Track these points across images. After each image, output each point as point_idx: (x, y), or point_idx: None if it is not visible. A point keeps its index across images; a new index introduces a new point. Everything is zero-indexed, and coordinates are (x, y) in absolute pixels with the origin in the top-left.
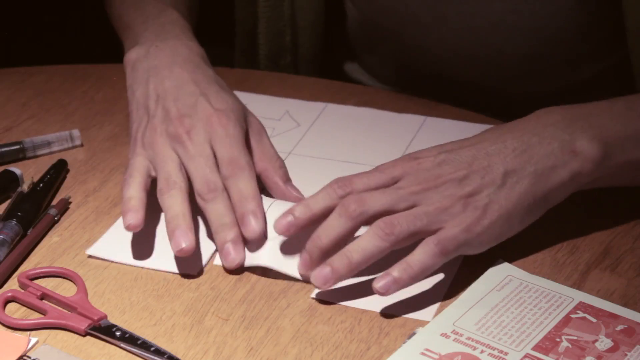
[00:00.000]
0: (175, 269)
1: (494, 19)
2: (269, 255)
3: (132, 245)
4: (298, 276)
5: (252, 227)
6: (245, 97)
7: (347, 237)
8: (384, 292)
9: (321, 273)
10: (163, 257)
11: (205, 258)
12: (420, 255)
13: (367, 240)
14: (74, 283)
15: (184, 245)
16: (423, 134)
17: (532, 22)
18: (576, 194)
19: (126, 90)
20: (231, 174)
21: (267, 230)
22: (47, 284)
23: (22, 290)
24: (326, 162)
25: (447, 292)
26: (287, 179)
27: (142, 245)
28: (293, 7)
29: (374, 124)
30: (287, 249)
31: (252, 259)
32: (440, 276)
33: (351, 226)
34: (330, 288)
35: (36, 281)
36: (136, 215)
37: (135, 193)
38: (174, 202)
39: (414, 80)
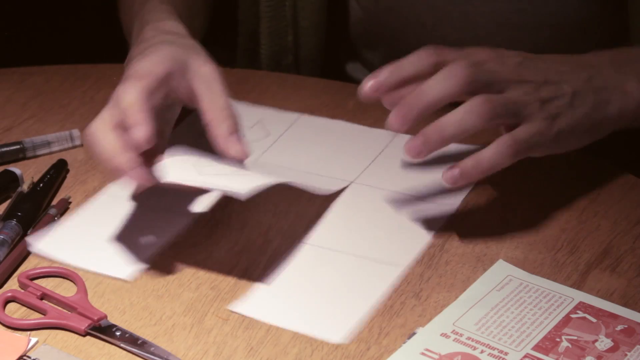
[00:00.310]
0: (108, 272)
1: (498, 18)
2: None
3: (72, 246)
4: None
5: (241, 148)
6: None
7: (452, 100)
8: (451, 184)
9: (413, 144)
10: (99, 260)
11: (139, 262)
12: (492, 152)
13: (465, 116)
14: (74, 283)
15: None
16: (391, 150)
17: (536, 21)
18: (576, 193)
19: None
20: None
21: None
22: (47, 284)
23: (22, 290)
24: (288, 171)
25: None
26: (233, 131)
27: (81, 245)
28: (295, 7)
29: (344, 136)
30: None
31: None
32: (361, 301)
33: (460, 89)
34: (421, 158)
35: (36, 281)
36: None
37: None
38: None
39: None
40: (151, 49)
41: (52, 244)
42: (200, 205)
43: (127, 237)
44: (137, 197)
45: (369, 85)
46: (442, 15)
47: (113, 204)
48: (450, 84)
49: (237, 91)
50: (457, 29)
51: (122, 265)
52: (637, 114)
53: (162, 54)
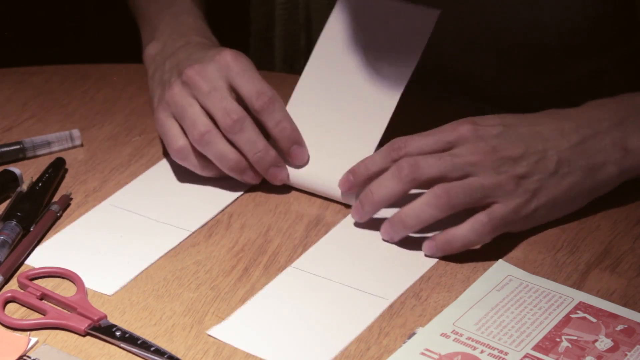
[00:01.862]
0: (92, 287)
1: (511, 13)
2: (311, 177)
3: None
4: (338, 196)
5: (301, 157)
6: None
7: (399, 198)
8: (431, 254)
9: (383, 231)
10: (88, 273)
11: (123, 280)
12: (466, 230)
13: (423, 208)
14: (74, 283)
15: (279, 176)
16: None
17: (548, 15)
18: None
19: (127, 89)
20: (263, 106)
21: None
22: (47, 284)
23: (22, 291)
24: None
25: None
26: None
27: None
28: (308, 10)
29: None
30: (327, 172)
31: (296, 178)
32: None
33: (402, 188)
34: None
35: (36, 281)
36: (253, 174)
37: (184, 140)
38: (216, 149)
39: (425, 73)
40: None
41: (45, 253)
42: (198, 218)
43: (119, 251)
44: (138, 207)
45: (343, 183)
46: (453, 10)
47: (109, 215)
48: (392, 184)
49: None
50: (469, 25)
51: (107, 280)
52: None
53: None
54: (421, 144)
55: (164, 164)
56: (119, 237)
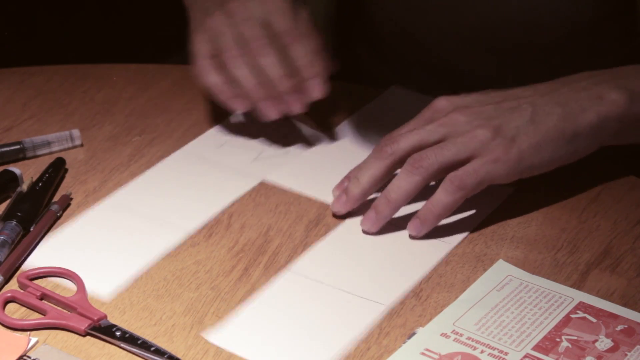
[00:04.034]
0: (93, 287)
1: (511, 14)
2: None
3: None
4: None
5: (319, 89)
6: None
7: (383, 178)
8: (415, 234)
9: (368, 217)
10: (89, 273)
11: (117, 282)
12: (439, 194)
13: (401, 178)
14: (74, 283)
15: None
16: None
17: (548, 16)
18: (576, 193)
19: (127, 89)
20: (291, 41)
21: None
22: (47, 284)
23: (22, 291)
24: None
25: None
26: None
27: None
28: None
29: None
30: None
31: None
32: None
33: (385, 166)
34: (377, 230)
35: (36, 281)
36: (242, 102)
37: (217, 77)
38: (241, 71)
39: (425, 73)
40: None
41: (46, 252)
42: (198, 216)
43: (119, 251)
44: (136, 206)
45: (337, 207)
46: (455, 11)
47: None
48: (375, 164)
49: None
50: (470, 26)
51: (108, 280)
52: (620, 119)
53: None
54: (403, 128)
55: (164, 165)
56: (119, 237)
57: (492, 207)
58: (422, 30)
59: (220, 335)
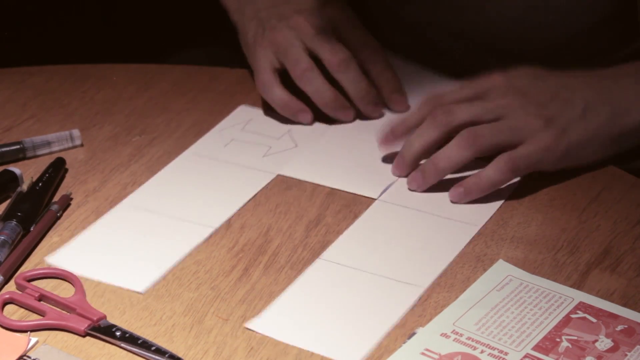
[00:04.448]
0: (124, 285)
1: (514, 14)
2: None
3: (91, 259)
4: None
5: (401, 104)
6: (252, 112)
7: (436, 144)
8: (456, 201)
9: (414, 178)
10: (116, 272)
11: (154, 275)
12: (490, 170)
13: (452, 149)
14: (72, 284)
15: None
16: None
17: (551, 17)
18: (576, 193)
19: (127, 89)
20: (367, 56)
21: None
22: (45, 285)
23: (20, 292)
24: (307, 185)
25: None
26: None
27: (100, 258)
28: None
29: (370, 152)
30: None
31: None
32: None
33: (439, 134)
34: (422, 190)
35: (33, 283)
36: (307, 115)
37: (283, 92)
38: (315, 84)
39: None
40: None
41: (68, 256)
42: (219, 214)
43: (146, 248)
44: (156, 207)
45: (383, 137)
46: (457, 9)
47: (130, 215)
48: (429, 132)
49: (237, 91)
50: (472, 23)
51: (138, 277)
52: None
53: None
54: (455, 95)
55: (173, 166)
56: (143, 237)
57: (514, 185)
58: (419, 25)
59: (260, 324)
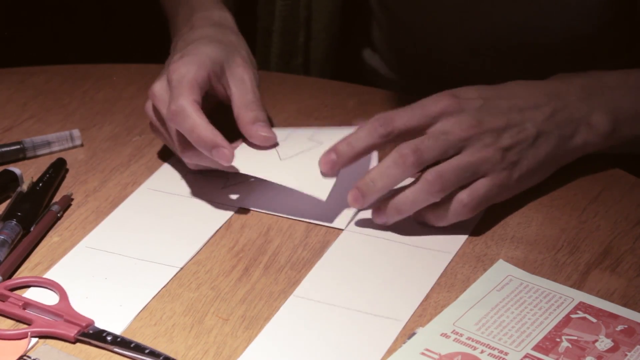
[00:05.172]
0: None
1: (516, 18)
2: (284, 175)
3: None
4: (319, 194)
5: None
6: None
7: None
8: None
9: (377, 216)
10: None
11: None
12: (452, 214)
13: (418, 194)
14: (55, 292)
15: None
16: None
17: (553, 21)
18: (576, 193)
19: (127, 89)
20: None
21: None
22: (28, 294)
23: (3, 302)
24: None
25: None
26: (256, 120)
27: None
28: (309, 9)
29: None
30: (306, 171)
31: (264, 173)
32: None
33: (406, 176)
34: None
35: (16, 292)
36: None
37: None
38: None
39: (428, 76)
40: (193, 49)
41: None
42: (187, 251)
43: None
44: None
45: (326, 163)
46: (461, 13)
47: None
48: (397, 172)
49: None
50: (476, 27)
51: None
52: (601, 145)
53: (203, 57)
54: (407, 119)
55: (129, 203)
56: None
57: (483, 210)
58: (423, 30)
59: None
